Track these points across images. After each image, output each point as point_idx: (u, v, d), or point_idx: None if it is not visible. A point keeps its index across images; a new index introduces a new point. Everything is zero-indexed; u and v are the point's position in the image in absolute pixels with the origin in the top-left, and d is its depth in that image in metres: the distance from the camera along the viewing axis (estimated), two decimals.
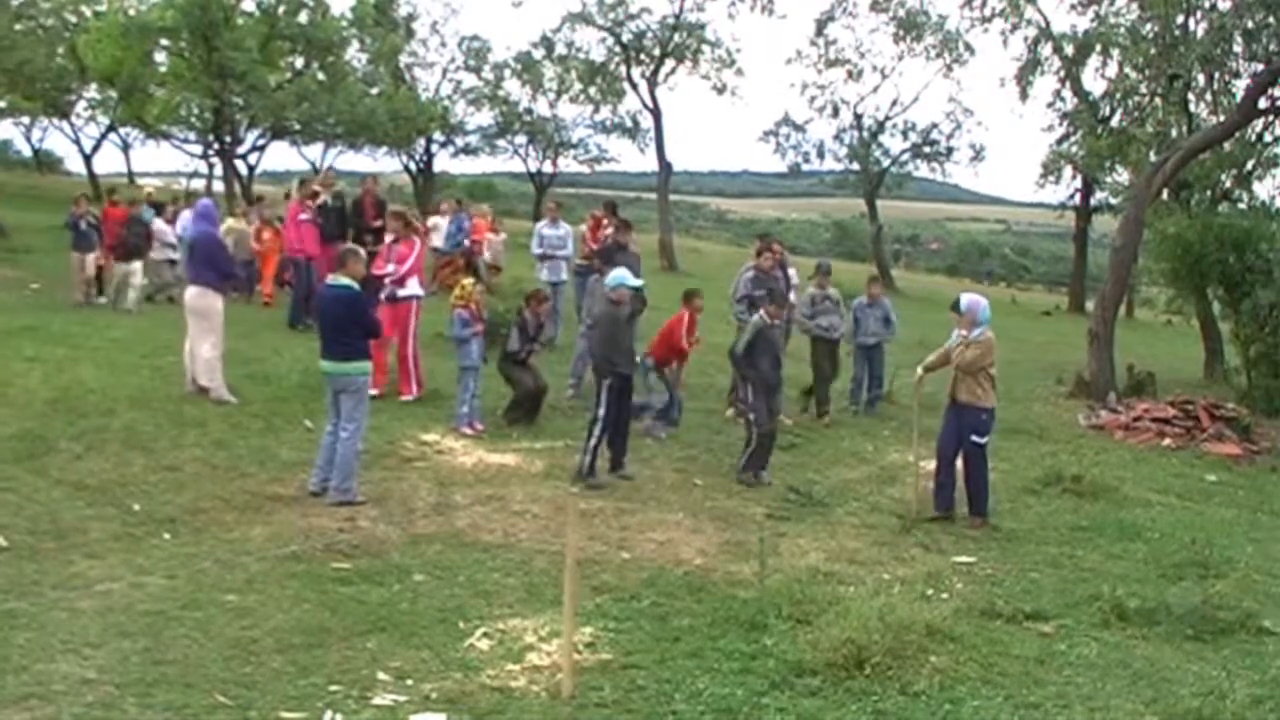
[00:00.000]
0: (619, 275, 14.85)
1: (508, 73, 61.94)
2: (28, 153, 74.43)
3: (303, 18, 42.72)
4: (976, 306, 14.04)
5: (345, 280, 12.86)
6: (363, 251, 14.05)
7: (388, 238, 17.89)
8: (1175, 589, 11.22)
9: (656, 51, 54.66)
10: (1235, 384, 24.63)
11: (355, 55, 49.45)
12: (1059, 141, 46.60)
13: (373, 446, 14.47)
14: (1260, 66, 23.92)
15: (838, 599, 9.93)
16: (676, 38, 54.28)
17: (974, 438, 13.88)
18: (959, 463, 13.90)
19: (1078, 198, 50.70)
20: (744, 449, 14.90)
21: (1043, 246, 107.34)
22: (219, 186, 47.88)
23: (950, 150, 58.18)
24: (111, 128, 58.64)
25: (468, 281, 16.60)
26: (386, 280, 16.69)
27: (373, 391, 15.39)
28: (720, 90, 56.80)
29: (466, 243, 28.73)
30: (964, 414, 13.90)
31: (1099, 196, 48.54)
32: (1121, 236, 25.26)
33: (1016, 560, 12.25)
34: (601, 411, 14.01)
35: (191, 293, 16.11)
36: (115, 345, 18.12)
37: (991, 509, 14.14)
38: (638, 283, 15.46)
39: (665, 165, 56.21)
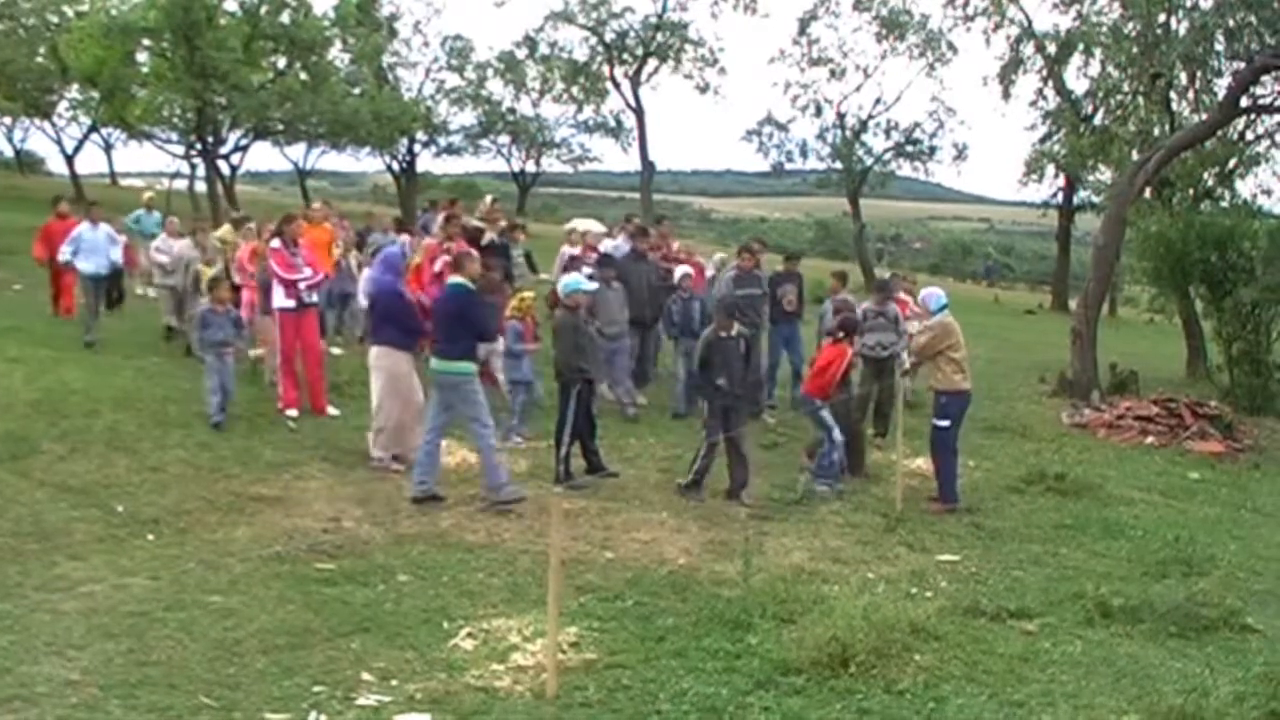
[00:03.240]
0: (573, 280, 14.80)
1: (490, 72, 61.78)
2: (9, 153, 74.17)
3: (285, 17, 42.58)
4: (928, 298, 14.98)
5: (461, 280, 13.39)
6: (476, 254, 14.48)
7: (274, 242, 16.58)
8: (1158, 587, 11.30)
9: (639, 51, 54.77)
10: (1218, 382, 24.69)
11: (338, 55, 49.32)
12: (1041, 140, 46.67)
13: (356, 447, 14.49)
14: (1242, 65, 23.96)
15: (822, 598, 9.97)
16: (659, 37, 54.39)
17: (934, 421, 14.46)
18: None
19: (1060, 196, 50.79)
20: (691, 462, 14.22)
21: (1026, 245, 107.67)
22: (201, 187, 47.80)
23: (933, 149, 58.15)
24: (93, 128, 58.51)
25: (528, 294, 16.38)
26: (301, 285, 15.92)
27: (291, 411, 15.58)
28: (703, 89, 57.03)
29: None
30: (935, 400, 14.53)
31: (1082, 195, 48.61)
32: (1104, 235, 25.30)
33: (1000, 558, 12.30)
34: (569, 417, 13.99)
35: (374, 352, 14.38)
36: (99, 347, 18.08)
37: (975, 506, 14.24)
38: (592, 286, 15.35)
39: (648, 165, 56.33)
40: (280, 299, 15.79)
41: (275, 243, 16.14)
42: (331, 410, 15.89)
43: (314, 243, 18.00)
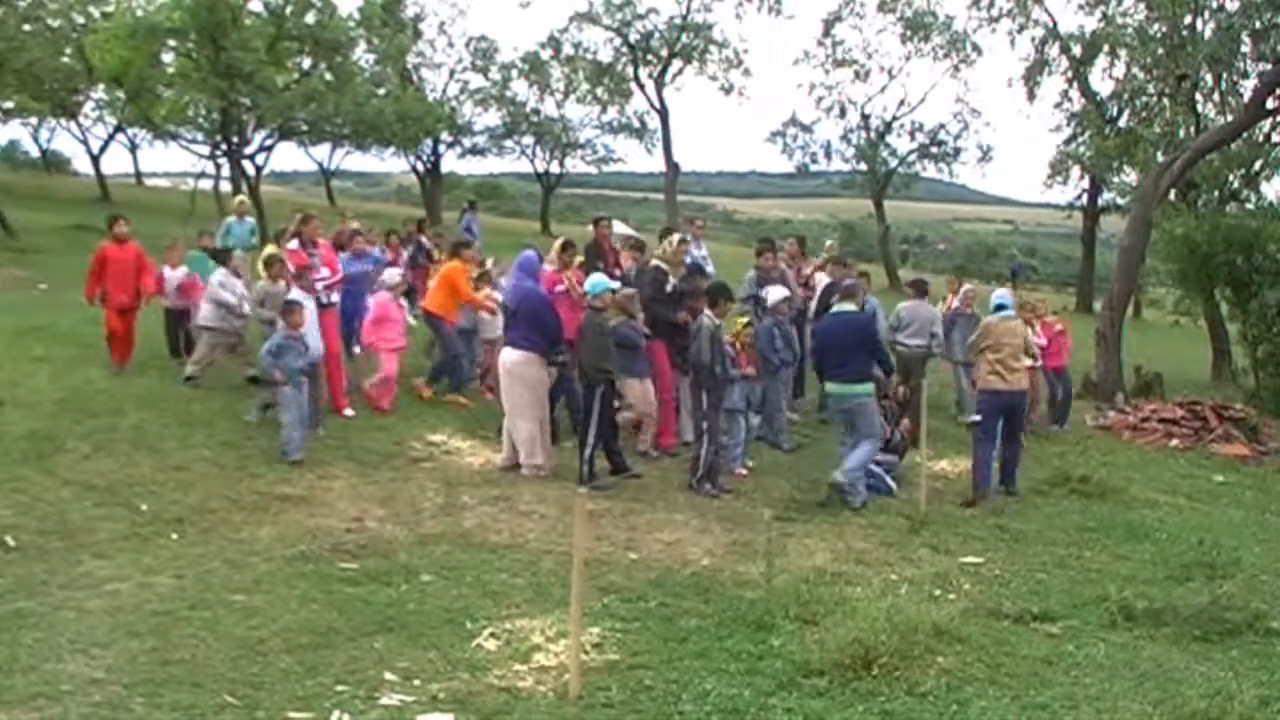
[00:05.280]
0: (600, 281, 14.73)
1: (515, 73, 61.98)
2: (35, 153, 74.32)
3: (310, 18, 42.60)
4: (992, 298, 15.88)
5: (852, 307, 14.50)
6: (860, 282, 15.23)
7: (292, 243, 16.54)
8: (1182, 590, 11.25)
9: (664, 52, 54.78)
10: (1243, 384, 24.64)
11: (363, 56, 49.37)
12: (1066, 142, 46.72)
13: (380, 447, 14.51)
14: (1268, 66, 23.96)
15: (845, 599, 9.94)
16: (684, 38, 54.39)
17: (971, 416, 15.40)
18: (996, 446, 15.21)
19: (1085, 198, 50.70)
20: (698, 461, 14.24)
21: (1050, 247, 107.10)
22: (225, 187, 47.87)
23: (957, 150, 58.15)
24: (119, 128, 58.77)
25: (742, 320, 15.88)
26: (320, 286, 15.73)
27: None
28: (727, 90, 57.07)
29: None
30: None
31: (1106, 197, 48.53)
32: (1129, 237, 25.28)
33: (1024, 561, 12.25)
34: (595, 419, 13.99)
35: (514, 358, 14.30)
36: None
37: (999, 509, 14.26)
38: (616, 285, 15.25)
39: (673, 166, 56.25)
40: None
41: (293, 244, 16.12)
42: (348, 411, 15.79)
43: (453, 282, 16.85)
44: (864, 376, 14.12)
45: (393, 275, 16.49)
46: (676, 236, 17.15)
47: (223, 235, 21.53)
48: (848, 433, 14.31)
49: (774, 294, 16.43)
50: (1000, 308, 15.42)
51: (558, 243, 16.94)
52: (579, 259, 16.87)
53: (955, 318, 18.31)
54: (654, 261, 16.77)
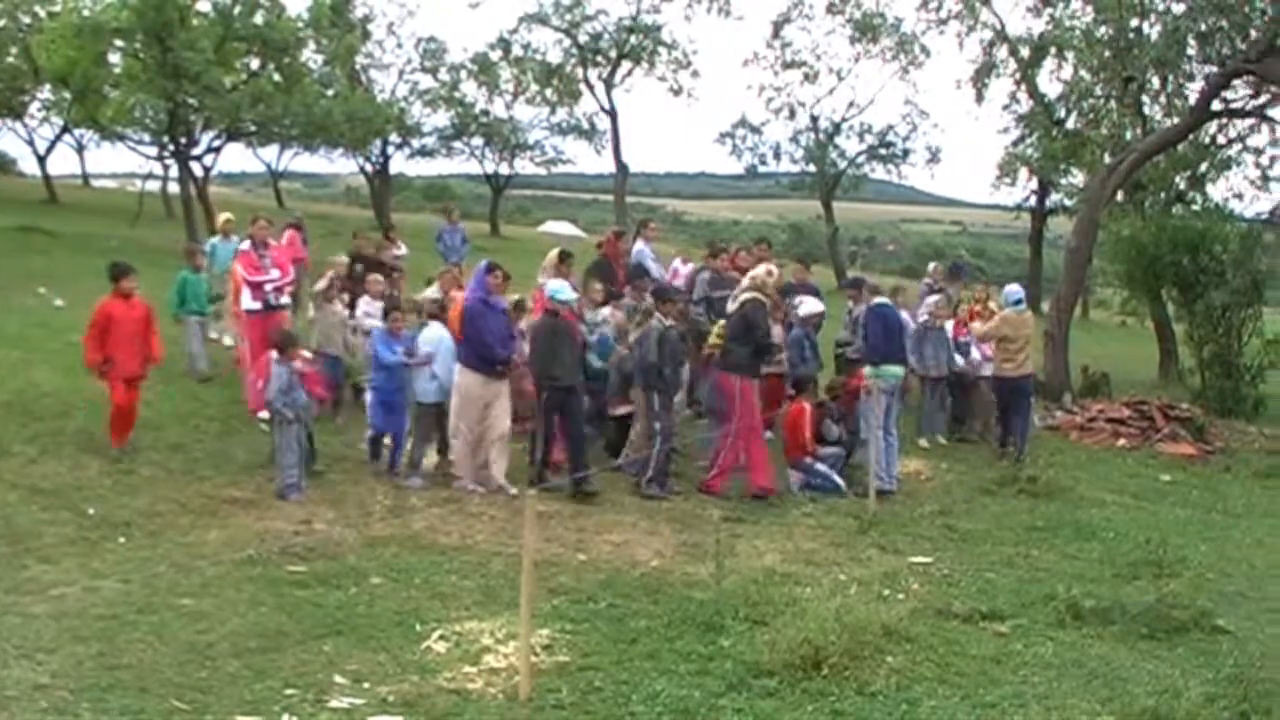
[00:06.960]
0: (560, 289, 14.59)
1: (464, 74, 61.62)
2: None
3: (258, 18, 42.31)
4: (1007, 293, 18.39)
5: (887, 300, 16.54)
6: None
7: (243, 244, 16.47)
8: (1130, 588, 11.34)
9: (613, 53, 54.73)
10: (1189, 384, 24.77)
11: (311, 56, 49.02)
12: (1014, 143, 46.88)
13: (329, 450, 14.42)
14: (1213, 69, 24.09)
15: (794, 600, 9.98)
16: (633, 39, 54.34)
17: None
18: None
19: (1033, 199, 50.91)
20: (649, 461, 14.08)
21: (998, 248, 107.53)
22: (174, 188, 47.50)
23: (906, 152, 58.18)
24: (65, 129, 58.17)
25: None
26: (268, 288, 15.78)
27: (263, 414, 14.73)
28: (676, 92, 56.97)
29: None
30: None
31: (1054, 198, 48.68)
32: (1076, 238, 25.39)
33: (972, 560, 12.32)
34: (543, 426, 13.97)
35: (455, 368, 13.97)
36: (71, 349, 17.86)
37: (947, 508, 14.38)
38: (574, 296, 14.89)
39: (622, 167, 56.27)
40: (247, 301, 15.73)
41: (244, 245, 16.06)
42: (263, 414, 15.33)
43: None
44: (895, 359, 16.02)
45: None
46: (764, 267, 15.67)
47: (209, 256, 19.64)
48: (876, 416, 14.87)
49: (806, 306, 16.54)
50: (1017, 301, 17.60)
51: (554, 253, 16.00)
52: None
53: (926, 331, 18.00)
54: (748, 294, 15.00)
